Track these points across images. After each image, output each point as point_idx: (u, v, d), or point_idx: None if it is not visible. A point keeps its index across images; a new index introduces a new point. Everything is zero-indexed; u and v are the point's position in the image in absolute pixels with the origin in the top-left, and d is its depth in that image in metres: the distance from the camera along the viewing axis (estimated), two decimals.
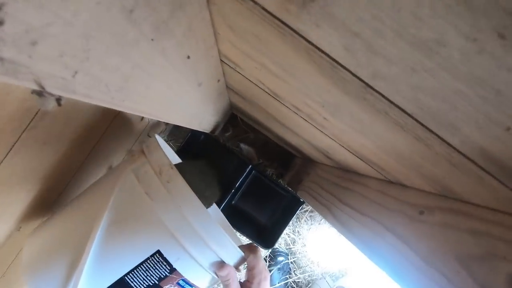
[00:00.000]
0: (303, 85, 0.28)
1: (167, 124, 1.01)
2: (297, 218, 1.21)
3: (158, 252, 0.35)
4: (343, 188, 0.57)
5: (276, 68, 0.29)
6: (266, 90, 0.40)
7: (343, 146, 0.42)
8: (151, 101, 0.25)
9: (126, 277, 0.36)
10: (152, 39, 0.18)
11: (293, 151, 1.03)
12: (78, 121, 0.48)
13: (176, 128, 1.12)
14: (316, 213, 1.22)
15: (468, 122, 0.16)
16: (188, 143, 0.90)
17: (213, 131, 0.92)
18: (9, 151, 0.38)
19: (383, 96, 0.20)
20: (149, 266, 0.36)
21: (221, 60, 0.41)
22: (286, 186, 0.94)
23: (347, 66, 0.19)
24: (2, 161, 0.38)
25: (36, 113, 0.38)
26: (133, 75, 0.19)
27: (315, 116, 0.36)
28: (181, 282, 0.37)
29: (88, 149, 0.58)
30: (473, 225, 0.27)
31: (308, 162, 0.95)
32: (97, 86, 0.16)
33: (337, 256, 1.14)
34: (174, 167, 0.37)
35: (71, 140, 0.49)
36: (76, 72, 0.14)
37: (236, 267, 0.39)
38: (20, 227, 0.48)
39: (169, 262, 0.35)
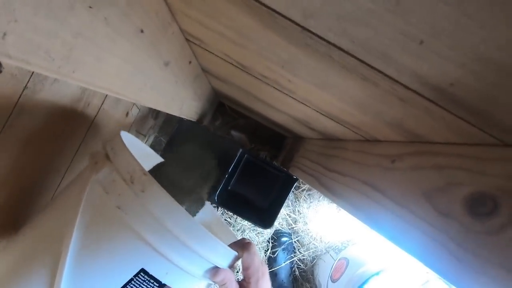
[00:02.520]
0: (259, 46, 0.29)
1: (155, 118, 1.02)
2: (296, 197, 1.23)
3: (142, 270, 0.32)
4: (328, 156, 0.58)
5: (232, 34, 0.30)
6: (233, 62, 0.41)
7: (316, 110, 0.43)
8: (108, 75, 0.26)
9: None
10: (90, 7, 0.19)
11: (281, 131, 1.04)
12: (57, 119, 0.49)
13: (167, 124, 1.12)
14: (314, 191, 1.23)
15: (390, 44, 0.17)
16: (175, 135, 0.91)
17: (200, 120, 0.93)
18: None
19: (319, 36, 0.20)
20: (135, 287, 0.32)
21: (186, 39, 0.41)
22: (279, 166, 0.95)
23: (280, 11, 0.20)
24: None
25: (12, 112, 0.39)
26: (77, 45, 0.20)
27: (281, 80, 0.37)
28: None
29: (73, 150, 0.59)
30: (436, 161, 0.28)
31: (297, 140, 0.96)
32: (35, 51, 0.17)
33: (338, 230, 1.16)
34: (147, 172, 0.32)
35: (52, 139, 0.50)
36: (4, 34, 0.15)
37: (231, 267, 0.37)
38: None
39: (156, 279, 0.32)
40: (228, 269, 0.35)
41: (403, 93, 0.22)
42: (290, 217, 1.19)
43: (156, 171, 0.64)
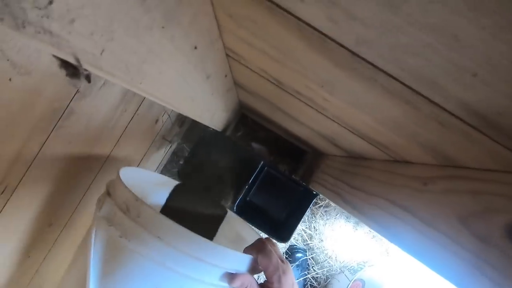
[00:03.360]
0: (301, 65, 0.31)
1: (180, 126, 1.05)
2: (313, 214, 1.22)
3: None
4: (351, 174, 0.58)
5: (275, 52, 0.32)
6: (269, 78, 0.43)
7: (345, 128, 0.44)
8: (164, 87, 0.28)
9: None
10: (162, 27, 0.21)
11: (302, 145, 1.05)
12: (98, 122, 0.52)
13: (190, 132, 1.16)
14: (331, 208, 1.22)
15: (442, 74, 0.18)
16: (200, 143, 0.94)
17: (224, 130, 0.95)
18: (40, 149, 0.42)
19: (368, 62, 0.22)
20: None
21: (226, 54, 0.44)
22: (299, 180, 0.95)
23: (333, 37, 0.21)
24: (35, 158, 0.42)
25: (63, 113, 0.42)
26: (148, 59, 0.22)
27: (316, 98, 0.39)
28: None
29: (107, 151, 0.62)
30: (472, 186, 0.28)
31: (318, 155, 0.97)
32: (119, 65, 0.19)
33: (354, 250, 1.14)
34: (139, 199, 0.34)
35: (93, 141, 0.53)
36: (103, 50, 0.17)
37: (251, 271, 0.36)
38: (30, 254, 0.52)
39: None
40: (246, 273, 0.35)
41: (445, 118, 0.23)
42: (305, 232, 1.18)
43: (177, 190, 0.66)
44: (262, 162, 0.91)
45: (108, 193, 0.39)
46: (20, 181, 0.41)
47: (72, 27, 0.14)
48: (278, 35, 0.27)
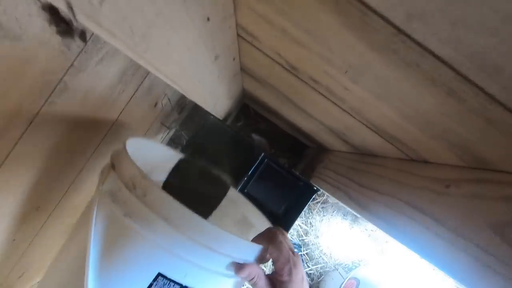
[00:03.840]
0: (327, 47, 0.27)
1: (179, 113, 1.02)
2: (310, 209, 1.20)
3: (160, 275, 0.31)
4: (359, 171, 0.56)
5: (298, 32, 0.28)
6: (283, 63, 0.39)
7: (362, 123, 0.41)
8: (172, 61, 0.24)
9: None
10: None
11: (305, 140, 1.02)
12: (93, 101, 0.49)
13: (189, 119, 1.12)
14: (329, 204, 1.20)
15: None
16: (200, 130, 0.90)
17: (225, 118, 0.92)
18: (29, 125, 0.38)
19: (416, 42, 0.19)
20: None
21: (238, 34, 0.40)
22: (299, 174, 0.93)
23: (379, 9, 0.18)
24: (21, 136, 0.38)
25: (55, 88, 0.38)
26: (156, 24, 0.19)
27: (335, 87, 0.35)
28: None
29: (101, 134, 0.59)
30: (506, 192, 0.26)
31: (320, 150, 0.94)
32: (121, 24, 0.16)
33: (349, 248, 1.13)
34: (146, 176, 0.32)
35: (87, 121, 0.49)
36: (103, 0, 0.13)
37: (260, 261, 0.34)
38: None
39: (176, 282, 0.32)
40: (254, 263, 0.33)
41: (495, 113, 0.20)
42: (301, 228, 1.16)
43: (179, 167, 0.63)
44: (263, 154, 0.89)
45: (112, 166, 0.35)
46: (5, 159, 0.37)
47: None
48: (308, 11, 0.23)
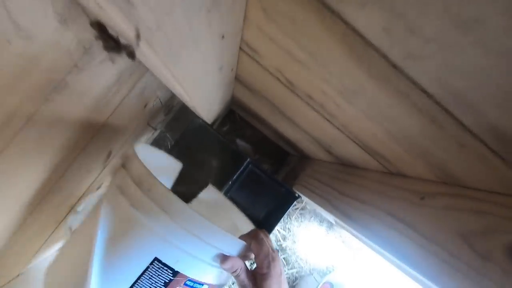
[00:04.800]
0: (327, 70, 0.30)
1: (166, 114, 1.02)
2: (288, 215, 1.23)
3: (156, 259, 0.36)
4: (342, 181, 0.60)
5: (302, 54, 0.31)
6: (281, 78, 0.42)
7: (349, 137, 0.45)
8: (188, 72, 0.26)
9: None
10: (208, 10, 0.20)
11: (288, 148, 1.06)
12: (89, 101, 0.49)
13: (174, 121, 1.12)
14: (306, 211, 1.25)
15: (488, 99, 0.19)
16: (186, 134, 0.91)
17: (212, 123, 0.93)
18: (27, 120, 0.38)
19: (409, 77, 0.22)
20: (151, 275, 0.36)
21: (240, 48, 0.43)
22: (282, 181, 0.96)
23: (381, 48, 0.21)
24: (20, 131, 0.38)
25: (56, 86, 0.38)
26: (187, 43, 0.21)
27: (328, 105, 0.39)
28: (188, 282, 0.37)
29: (92, 132, 0.58)
30: (474, 206, 0.30)
31: (304, 159, 0.98)
32: (165, 44, 0.18)
33: (325, 253, 1.17)
34: (152, 174, 0.37)
35: (79, 119, 0.49)
36: (159, 27, 0.15)
37: (242, 257, 0.38)
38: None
39: (169, 266, 0.36)
40: (237, 257, 0.37)
41: (468, 140, 0.24)
42: (280, 233, 1.19)
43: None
44: (248, 160, 0.91)
45: (123, 165, 0.41)
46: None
47: None
48: (315, 37, 0.26)
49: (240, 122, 1.14)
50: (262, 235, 0.40)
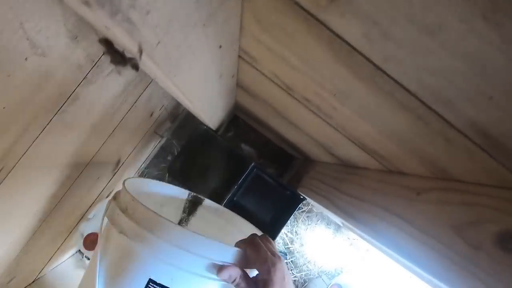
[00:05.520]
0: (319, 74, 0.32)
1: (172, 122, 1.04)
2: (295, 218, 1.24)
3: (151, 280, 0.36)
4: (343, 181, 0.61)
5: (296, 60, 0.33)
6: (279, 83, 0.44)
7: (347, 137, 0.47)
8: (190, 82, 0.29)
9: None
10: (204, 24, 0.22)
11: (292, 151, 1.07)
12: (98, 111, 0.51)
13: (180, 128, 1.15)
14: (313, 214, 1.25)
15: (461, 96, 0.20)
16: (192, 141, 0.93)
17: (217, 129, 0.96)
18: (41, 132, 0.41)
19: (391, 77, 0.24)
20: None
21: (239, 56, 0.45)
22: (286, 184, 0.97)
23: (363, 52, 0.23)
24: (34, 141, 0.41)
25: (68, 98, 0.41)
26: (185, 54, 0.23)
27: (324, 107, 0.41)
28: None
29: (102, 141, 0.61)
30: (464, 198, 0.31)
31: (307, 161, 0.99)
32: (165, 57, 0.20)
33: (333, 255, 1.18)
34: (135, 198, 0.38)
35: (90, 129, 0.52)
36: (159, 42, 0.18)
37: (241, 265, 0.36)
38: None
39: (165, 286, 0.36)
40: (233, 265, 0.35)
41: (452, 135, 0.26)
42: (287, 236, 1.20)
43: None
44: (253, 164, 0.93)
45: (114, 199, 0.42)
46: (14, 165, 0.39)
47: (146, 18, 0.15)
48: (305, 44, 0.28)
49: (244, 127, 1.17)
50: (258, 240, 0.38)
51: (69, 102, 0.42)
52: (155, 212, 0.36)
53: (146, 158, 1.08)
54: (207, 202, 0.68)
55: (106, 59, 0.41)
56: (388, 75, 0.24)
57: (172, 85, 0.25)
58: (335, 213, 0.57)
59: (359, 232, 0.48)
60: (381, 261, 1.13)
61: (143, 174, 1.12)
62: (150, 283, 0.36)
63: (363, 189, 0.52)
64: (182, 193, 0.67)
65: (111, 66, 0.45)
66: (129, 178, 0.48)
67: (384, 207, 0.43)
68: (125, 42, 0.15)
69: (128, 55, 0.19)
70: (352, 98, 0.32)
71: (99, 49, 0.39)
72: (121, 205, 0.39)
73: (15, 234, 0.52)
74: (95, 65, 0.44)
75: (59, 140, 0.45)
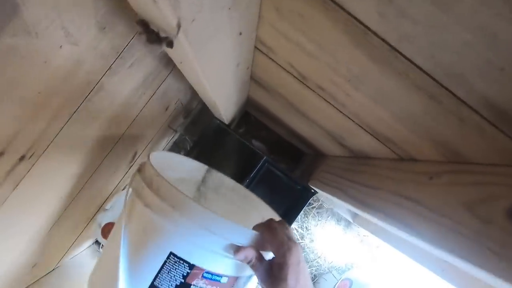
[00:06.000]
0: (334, 59, 0.34)
1: (185, 117, 1.07)
2: (305, 214, 1.25)
3: (172, 253, 0.38)
4: (355, 171, 0.62)
5: (311, 46, 0.35)
6: (294, 73, 0.46)
7: (360, 126, 0.48)
8: (212, 68, 0.31)
9: (154, 283, 0.39)
10: (229, 8, 0.24)
11: (302, 146, 1.08)
12: (120, 102, 0.54)
13: (193, 124, 1.17)
14: (323, 210, 1.26)
15: (473, 70, 0.22)
16: (204, 135, 0.95)
17: (229, 124, 0.98)
18: (69, 118, 0.43)
19: (405, 57, 0.25)
20: (170, 268, 0.38)
21: (255, 47, 0.47)
22: (297, 178, 0.98)
23: (378, 32, 0.25)
24: (62, 128, 0.43)
25: (94, 87, 0.44)
26: (213, 37, 0.25)
27: (338, 94, 0.42)
28: (206, 274, 0.39)
29: (120, 133, 0.64)
30: (476, 179, 0.32)
31: (317, 156, 1.00)
32: (197, 36, 0.22)
33: (343, 252, 1.18)
34: (159, 174, 0.40)
35: (111, 119, 0.55)
36: (194, 20, 0.20)
37: (257, 247, 0.38)
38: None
39: (185, 260, 0.38)
40: (250, 247, 0.37)
41: (465, 113, 0.27)
42: (297, 231, 1.21)
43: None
44: (264, 158, 0.94)
45: (138, 171, 0.44)
46: (44, 151, 0.42)
47: None
48: (322, 29, 0.30)
49: (255, 123, 1.19)
50: (275, 224, 0.39)
51: (95, 91, 0.45)
52: (179, 190, 0.38)
53: None
54: (231, 182, 0.71)
55: (129, 50, 0.44)
56: (402, 55, 0.25)
57: (199, 67, 0.27)
58: (346, 201, 0.58)
59: (369, 217, 0.49)
60: (391, 257, 1.13)
61: None
62: (171, 255, 0.38)
63: (375, 178, 0.53)
64: (201, 168, 0.69)
65: (133, 59, 0.47)
66: (154, 152, 0.50)
67: (397, 193, 0.44)
68: (168, 15, 0.17)
69: (162, 34, 0.21)
70: (366, 82, 0.34)
71: (124, 40, 0.42)
72: (146, 178, 0.41)
73: (41, 220, 0.55)
74: (119, 56, 0.47)
75: (84, 128, 0.48)
